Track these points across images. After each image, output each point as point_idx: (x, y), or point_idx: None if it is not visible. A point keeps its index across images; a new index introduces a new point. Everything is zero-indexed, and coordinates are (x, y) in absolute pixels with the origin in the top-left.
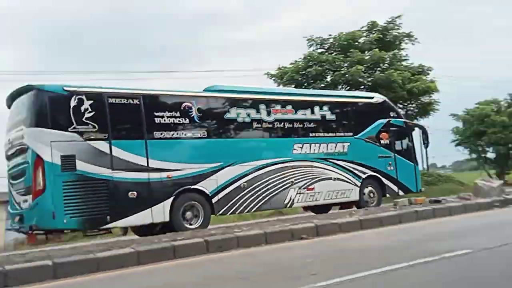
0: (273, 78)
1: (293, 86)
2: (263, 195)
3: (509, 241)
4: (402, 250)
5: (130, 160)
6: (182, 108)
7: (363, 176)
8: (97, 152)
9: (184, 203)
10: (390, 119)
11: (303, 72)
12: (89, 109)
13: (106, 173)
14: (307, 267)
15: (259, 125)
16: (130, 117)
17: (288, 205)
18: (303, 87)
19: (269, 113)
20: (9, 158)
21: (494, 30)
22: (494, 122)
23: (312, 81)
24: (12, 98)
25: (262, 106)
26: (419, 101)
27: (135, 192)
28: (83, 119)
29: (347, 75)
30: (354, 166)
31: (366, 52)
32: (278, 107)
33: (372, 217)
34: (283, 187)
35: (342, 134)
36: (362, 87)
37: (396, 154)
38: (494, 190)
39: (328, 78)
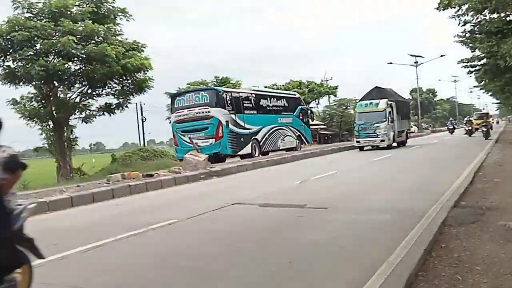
0: None
1: None
2: (273, 142)
3: (208, 210)
4: (111, 225)
5: (241, 124)
6: (249, 98)
7: (296, 134)
8: (233, 120)
9: (253, 144)
10: (302, 106)
11: (8, 37)
12: (229, 100)
13: (235, 130)
14: None
15: (269, 108)
16: (239, 103)
17: (280, 148)
18: (9, 53)
19: (271, 102)
20: (187, 121)
21: (208, 16)
22: None
23: (18, 47)
24: (189, 92)
25: (268, 97)
26: (134, 78)
27: (242, 139)
28: (228, 104)
29: (58, 45)
30: (294, 129)
31: (79, 23)
32: (273, 99)
33: (85, 193)
34: (277, 139)
35: (289, 113)
36: (75, 58)
37: (304, 124)
38: (201, 163)
39: (38, 46)
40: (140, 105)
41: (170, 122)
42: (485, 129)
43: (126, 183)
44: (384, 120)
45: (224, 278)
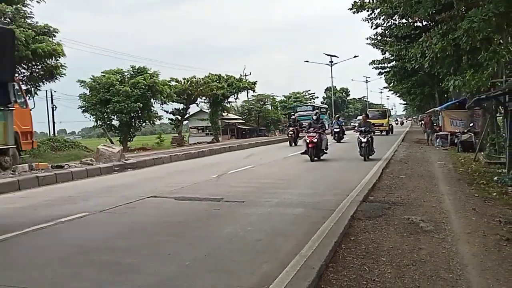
0: None
1: None
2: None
3: (122, 203)
4: (17, 218)
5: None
6: (321, 108)
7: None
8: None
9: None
10: (323, 113)
11: None
12: (316, 109)
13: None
14: None
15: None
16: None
17: None
18: None
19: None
20: (301, 116)
21: (131, 5)
22: (119, 91)
23: None
24: (303, 105)
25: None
26: (44, 64)
27: (326, 125)
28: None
29: None
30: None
31: None
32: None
33: None
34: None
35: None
36: None
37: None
38: (115, 155)
39: None
40: (51, 92)
41: (290, 118)
42: (364, 141)
43: (34, 174)
44: None
45: (138, 272)
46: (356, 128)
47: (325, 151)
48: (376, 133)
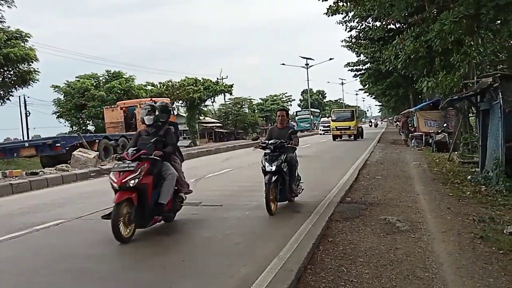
0: None
1: None
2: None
3: (98, 209)
4: None
5: (314, 120)
6: (316, 113)
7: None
8: (313, 119)
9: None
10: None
11: None
12: (312, 114)
13: (314, 121)
14: None
15: (316, 114)
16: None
17: None
18: None
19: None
20: (300, 117)
21: (102, 9)
22: (94, 96)
23: None
24: (302, 110)
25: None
26: (17, 69)
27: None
28: (311, 114)
29: None
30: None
31: None
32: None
33: None
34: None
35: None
36: None
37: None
38: (91, 161)
39: None
40: (24, 98)
41: (294, 118)
42: (271, 170)
43: (7, 182)
44: None
45: (115, 278)
46: (263, 141)
47: (178, 202)
48: (343, 137)
